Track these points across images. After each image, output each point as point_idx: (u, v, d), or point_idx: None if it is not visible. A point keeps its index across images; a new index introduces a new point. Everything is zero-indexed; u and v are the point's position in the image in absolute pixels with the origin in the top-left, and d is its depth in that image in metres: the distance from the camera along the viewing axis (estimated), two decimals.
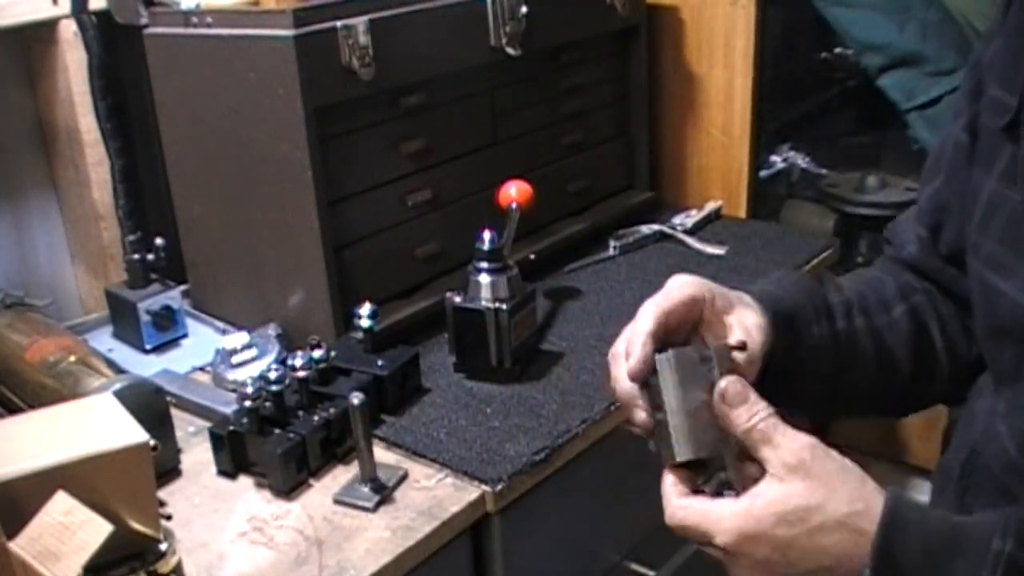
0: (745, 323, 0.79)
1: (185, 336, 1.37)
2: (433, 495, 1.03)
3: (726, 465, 0.70)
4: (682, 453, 0.70)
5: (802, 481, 0.66)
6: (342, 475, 1.06)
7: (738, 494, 0.68)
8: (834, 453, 0.68)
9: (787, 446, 0.66)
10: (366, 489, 1.02)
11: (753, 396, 0.69)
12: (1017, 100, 0.75)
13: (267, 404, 1.06)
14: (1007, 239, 0.75)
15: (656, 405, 0.72)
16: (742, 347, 0.76)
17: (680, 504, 0.69)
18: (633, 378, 0.74)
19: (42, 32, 1.36)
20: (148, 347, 1.33)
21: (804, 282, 0.89)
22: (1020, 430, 0.73)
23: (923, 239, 0.90)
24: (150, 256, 1.34)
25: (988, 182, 0.78)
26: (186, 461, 1.10)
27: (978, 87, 0.82)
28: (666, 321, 0.75)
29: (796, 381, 0.84)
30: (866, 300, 0.89)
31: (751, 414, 0.68)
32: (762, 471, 0.68)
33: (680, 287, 0.77)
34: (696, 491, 0.71)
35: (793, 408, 0.90)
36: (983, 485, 0.76)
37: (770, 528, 0.66)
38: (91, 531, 0.72)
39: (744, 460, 0.69)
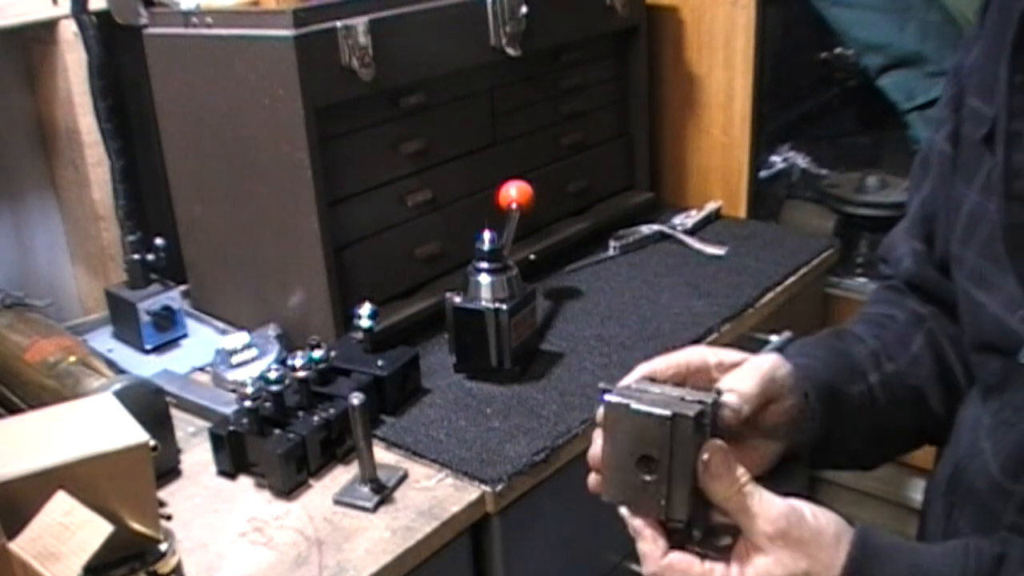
0: (753, 374, 0.78)
1: (185, 336, 1.37)
2: (433, 495, 1.03)
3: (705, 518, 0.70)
4: (678, 512, 0.69)
5: (783, 549, 0.67)
6: (342, 475, 1.06)
7: (718, 551, 0.69)
8: (809, 516, 0.68)
9: (765, 514, 0.67)
10: (366, 489, 1.02)
11: (733, 466, 0.69)
12: (995, 110, 0.74)
13: (267, 404, 1.06)
14: (988, 252, 0.75)
15: (644, 458, 0.69)
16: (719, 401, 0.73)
17: (671, 562, 0.69)
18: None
19: (42, 32, 1.36)
20: (148, 347, 1.33)
21: (830, 343, 0.88)
22: (1003, 448, 0.73)
23: (918, 252, 0.89)
24: (150, 256, 1.34)
25: (969, 194, 0.78)
26: (186, 461, 1.10)
27: (959, 95, 0.81)
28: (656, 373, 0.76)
29: (844, 442, 0.84)
30: (886, 345, 0.89)
31: (730, 484, 0.68)
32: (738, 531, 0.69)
33: (684, 352, 0.77)
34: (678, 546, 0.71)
35: (842, 468, 0.91)
36: (969, 501, 0.76)
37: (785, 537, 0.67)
38: (91, 531, 0.72)
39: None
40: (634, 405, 0.67)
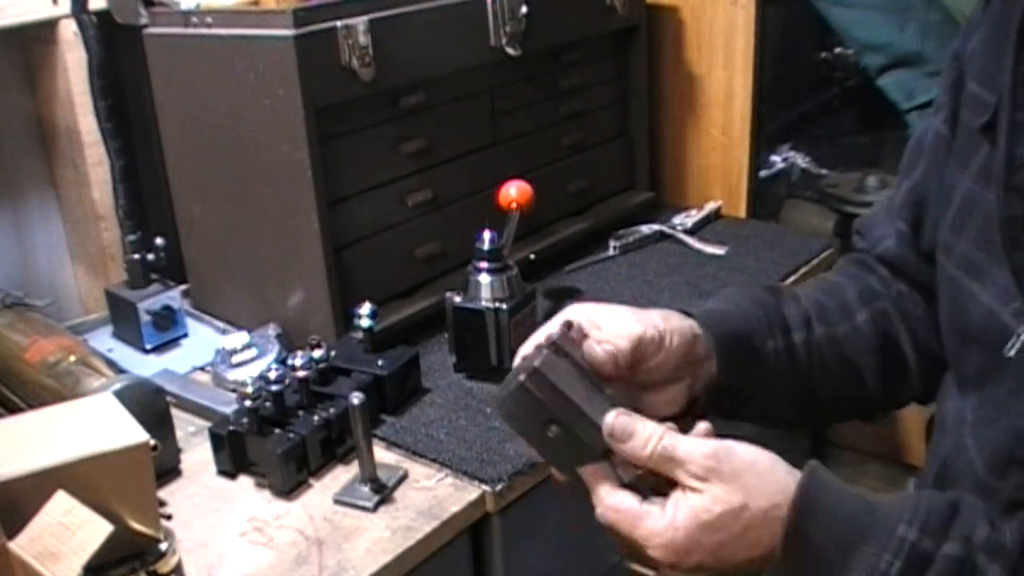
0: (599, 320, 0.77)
1: (185, 336, 1.37)
2: (433, 495, 1.03)
3: None
4: (600, 440, 0.70)
5: (717, 485, 0.66)
6: (342, 475, 1.06)
7: (653, 490, 0.69)
8: (739, 448, 0.68)
9: (693, 458, 0.67)
10: (366, 489, 1.02)
11: (640, 424, 0.69)
12: (996, 98, 0.73)
13: (267, 404, 1.06)
14: (981, 241, 0.74)
15: (545, 421, 0.70)
16: (569, 326, 0.74)
17: (611, 505, 0.69)
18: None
19: (42, 32, 1.36)
20: (148, 347, 1.33)
21: (758, 296, 0.87)
22: (985, 445, 0.73)
23: (903, 234, 0.88)
24: (150, 256, 1.34)
25: (963, 181, 0.77)
26: (186, 461, 1.10)
27: (959, 80, 0.80)
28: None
29: (757, 397, 0.84)
30: (825, 309, 0.88)
31: (645, 442, 0.68)
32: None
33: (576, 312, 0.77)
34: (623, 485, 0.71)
35: (760, 423, 0.91)
36: None
37: (700, 538, 0.66)
38: (91, 531, 0.72)
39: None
40: (498, 392, 0.71)
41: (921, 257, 0.87)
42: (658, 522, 0.67)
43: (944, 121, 0.82)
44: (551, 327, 0.75)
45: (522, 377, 0.69)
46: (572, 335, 0.73)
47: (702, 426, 0.71)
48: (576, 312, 0.77)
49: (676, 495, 0.67)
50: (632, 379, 0.77)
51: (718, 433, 0.70)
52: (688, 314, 0.82)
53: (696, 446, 0.67)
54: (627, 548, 0.70)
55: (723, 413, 0.79)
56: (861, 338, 0.88)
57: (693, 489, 0.67)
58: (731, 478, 0.66)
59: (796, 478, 0.67)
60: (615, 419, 0.69)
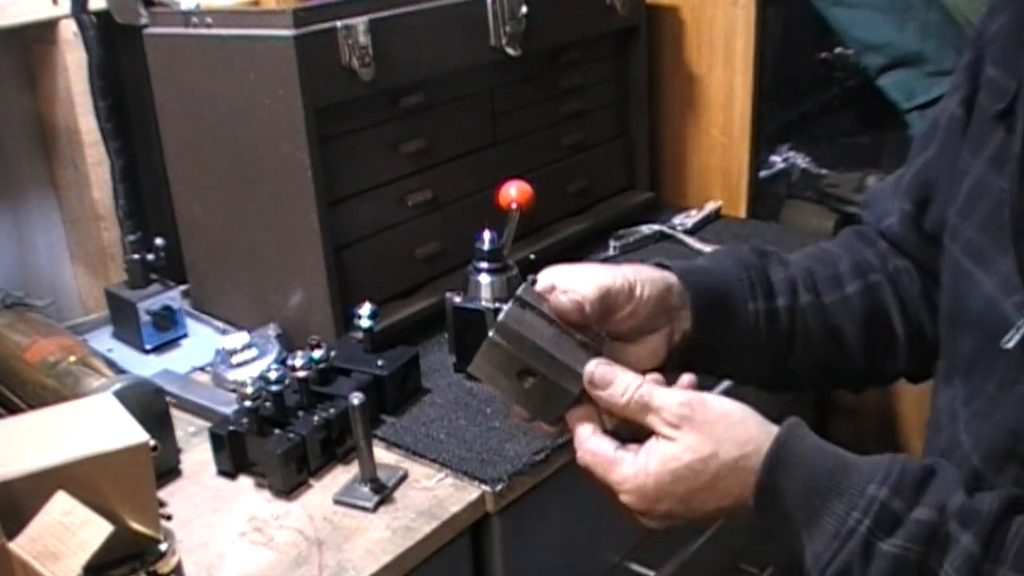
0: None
1: (185, 336, 1.37)
2: (433, 495, 1.03)
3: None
4: (576, 384, 0.72)
5: (689, 434, 0.68)
6: (342, 475, 1.06)
7: (631, 437, 0.70)
8: (712, 400, 0.69)
9: (667, 407, 0.68)
10: (366, 489, 1.02)
11: (619, 373, 0.70)
12: (1015, 85, 0.72)
13: (267, 404, 1.06)
14: (989, 228, 0.74)
15: (520, 372, 0.72)
16: (534, 282, 0.76)
17: (588, 448, 0.71)
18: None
19: (42, 32, 1.36)
20: (148, 347, 1.33)
21: (744, 257, 0.87)
22: (980, 441, 0.72)
23: (906, 213, 0.88)
24: (150, 256, 1.34)
25: (975, 166, 0.76)
26: (186, 461, 1.10)
27: (978, 61, 0.79)
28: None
29: (732, 354, 0.84)
30: (814, 277, 0.88)
31: (623, 390, 0.69)
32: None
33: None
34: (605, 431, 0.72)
35: (733, 380, 0.91)
36: None
37: (669, 485, 0.68)
38: (91, 531, 0.72)
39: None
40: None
41: (923, 238, 0.87)
42: (629, 468, 0.69)
43: (960, 103, 0.81)
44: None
45: (490, 332, 0.71)
46: (538, 290, 0.75)
47: (686, 378, 0.73)
48: (546, 272, 0.78)
49: (649, 443, 0.69)
50: (608, 330, 0.78)
51: (703, 386, 0.71)
52: (665, 267, 0.83)
53: (671, 396, 0.69)
54: (603, 492, 0.72)
55: (695, 367, 0.80)
56: (849, 309, 0.88)
57: (666, 437, 0.68)
58: (703, 427, 0.68)
59: (769, 431, 0.68)
60: (595, 367, 0.70)
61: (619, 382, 0.70)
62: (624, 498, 0.69)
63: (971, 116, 0.80)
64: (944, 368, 0.80)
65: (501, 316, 0.71)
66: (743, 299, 0.84)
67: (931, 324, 0.88)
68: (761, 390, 0.90)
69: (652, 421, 0.69)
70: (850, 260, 0.90)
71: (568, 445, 1.09)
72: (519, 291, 0.74)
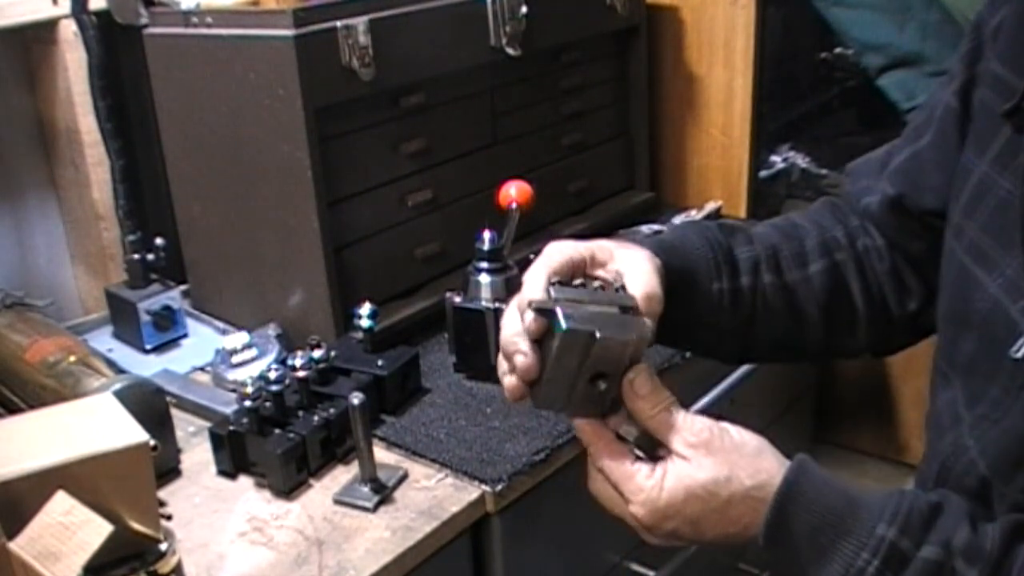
0: (630, 263, 0.76)
1: (185, 336, 1.37)
2: (433, 495, 1.03)
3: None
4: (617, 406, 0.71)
5: (706, 457, 0.68)
6: (342, 475, 1.06)
7: (648, 453, 0.70)
8: (732, 430, 0.70)
9: (688, 428, 0.69)
10: (366, 489, 1.02)
11: (656, 388, 0.70)
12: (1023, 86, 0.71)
13: (267, 404, 1.06)
14: (993, 228, 0.73)
15: (593, 377, 0.70)
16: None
17: (610, 453, 0.70)
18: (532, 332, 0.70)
19: (42, 32, 1.36)
20: (148, 347, 1.33)
21: (710, 235, 0.87)
22: (988, 447, 0.72)
23: (889, 197, 0.87)
24: (150, 256, 1.34)
25: (980, 165, 0.76)
26: (186, 461, 1.10)
27: (976, 51, 0.79)
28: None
29: (694, 330, 0.85)
30: (778, 255, 0.88)
31: (654, 404, 0.69)
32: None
33: (559, 250, 0.76)
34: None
35: (696, 354, 0.92)
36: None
37: (680, 503, 0.68)
38: (91, 531, 0.72)
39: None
40: (599, 333, 0.67)
41: (902, 220, 0.87)
42: (645, 481, 0.69)
43: (955, 92, 0.80)
44: (539, 278, 0.73)
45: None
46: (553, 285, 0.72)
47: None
48: (542, 261, 0.75)
49: (667, 461, 0.69)
50: None
51: (723, 417, 0.72)
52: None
53: (694, 419, 0.70)
54: (608, 503, 0.71)
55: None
56: (810, 289, 0.88)
57: (683, 456, 0.68)
58: (720, 453, 0.68)
59: (783, 464, 0.68)
60: (638, 375, 0.70)
61: (653, 395, 0.70)
62: (634, 509, 0.69)
63: (967, 107, 0.79)
64: (942, 366, 0.80)
65: (607, 332, 0.68)
66: (708, 278, 0.84)
67: (897, 303, 0.89)
68: (722, 363, 0.92)
69: (673, 439, 0.69)
70: (818, 237, 0.90)
71: (568, 445, 1.10)
72: (552, 296, 0.70)
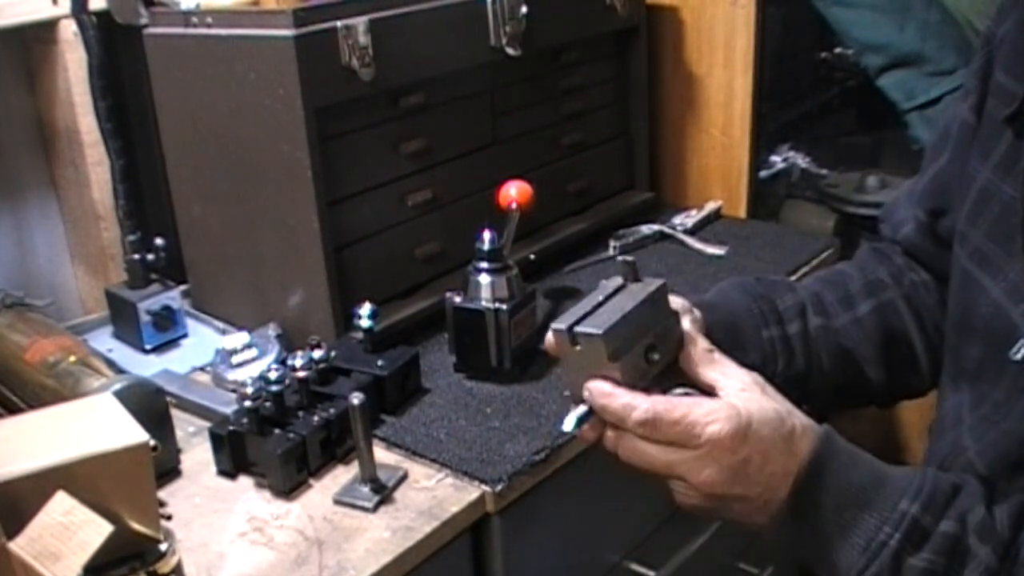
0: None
1: (185, 336, 1.37)
2: (433, 495, 1.03)
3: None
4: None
5: (763, 394, 0.69)
6: (342, 475, 1.06)
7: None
8: (770, 388, 0.72)
9: (736, 372, 0.70)
10: (366, 489, 1.02)
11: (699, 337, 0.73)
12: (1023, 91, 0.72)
13: (267, 404, 1.06)
14: (996, 234, 0.74)
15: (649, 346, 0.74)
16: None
17: (662, 408, 0.69)
18: None
19: (42, 32, 1.36)
20: (148, 347, 1.33)
21: (750, 288, 0.88)
22: (986, 448, 0.72)
23: (921, 222, 0.88)
24: (150, 256, 1.34)
25: (983, 171, 0.76)
26: (186, 461, 1.10)
27: (988, 66, 0.79)
28: None
29: None
30: (822, 300, 0.88)
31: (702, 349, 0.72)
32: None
33: None
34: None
35: None
36: None
37: (757, 424, 0.67)
38: (91, 531, 0.72)
39: None
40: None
41: (939, 245, 0.86)
42: (718, 404, 0.68)
43: (971, 108, 0.81)
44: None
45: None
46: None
47: None
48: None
49: (729, 390, 0.70)
50: None
51: None
52: None
53: (740, 369, 0.72)
54: (659, 457, 0.69)
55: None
56: (862, 330, 0.87)
57: (740, 391, 0.69)
58: (773, 395, 0.70)
59: (814, 429, 0.69)
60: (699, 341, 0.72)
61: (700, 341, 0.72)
62: (713, 430, 0.66)
63: (981, 122, 0.80)
64: (951, 372, 0.80)
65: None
66: (755, 328, 0.84)
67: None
68: None
69: (719, 378, 0.70)
70: (862, 280, 0.90)
71: (568, 445, 1.10)
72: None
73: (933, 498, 0.65)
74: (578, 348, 0.71)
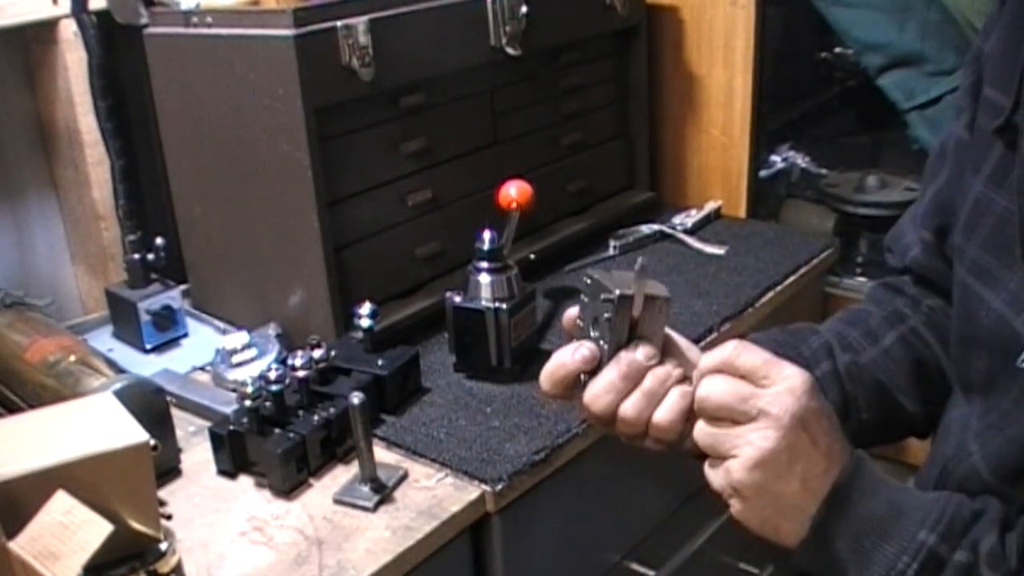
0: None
1: (185, 336, 1.37)
2: (433, 495, 1.03)
3: None
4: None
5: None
6: (342, 475, 1.06)
7: None
8: None
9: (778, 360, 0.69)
10: (366, 489, 1.02)
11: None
12: (1012, 102, 0.72)
13: (267, 404, 1.06)
14: (992, 246, 0.74)
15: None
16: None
17: (747, 352, 0.68)
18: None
19: (42, 32, 1.36)
20: (148, 347, 1.33)
21: (775, 336, 0.87)
22: (991, 452, 0.72)
23: (927, 243, 0.87)
24: (150, 256, 1.34)
25: (975, 184, 0.76)
26: (186, 461, 1.10)
27: (979, 82, 0.79)
28: None
29: None
30: (847, 337, 0.88)
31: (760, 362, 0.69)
32: None
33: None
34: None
35: None
36: None
37: (811, 401, 0.66)
38: (91, 531, 0.72)
39: None
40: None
41: (948, 264, 0.86)
42: (791, 367, 0.67)
43: (966, 126, 0.81)
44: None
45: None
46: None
47: None
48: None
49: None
50: None
51: None
52: None
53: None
54: (737, 392, 0.68)
55: None
56: (891, 361, 0.87)
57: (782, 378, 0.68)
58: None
59: (848, 453, 0.68)
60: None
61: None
62: (792, 380, 0.66)
63: (973, 136, 0.80)
64: (961, 385, 0.80)
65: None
66: None
67: None
68: None
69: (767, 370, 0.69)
70: (881, 314, 0.89)
71: (568, 445, 1.10)
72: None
73: (951, 527, 0.66)
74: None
